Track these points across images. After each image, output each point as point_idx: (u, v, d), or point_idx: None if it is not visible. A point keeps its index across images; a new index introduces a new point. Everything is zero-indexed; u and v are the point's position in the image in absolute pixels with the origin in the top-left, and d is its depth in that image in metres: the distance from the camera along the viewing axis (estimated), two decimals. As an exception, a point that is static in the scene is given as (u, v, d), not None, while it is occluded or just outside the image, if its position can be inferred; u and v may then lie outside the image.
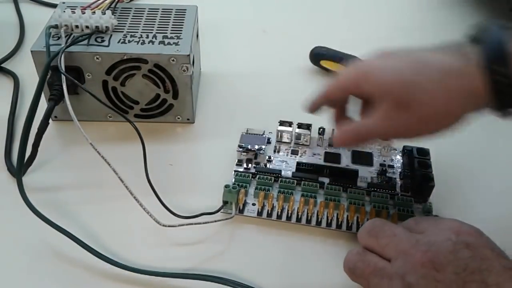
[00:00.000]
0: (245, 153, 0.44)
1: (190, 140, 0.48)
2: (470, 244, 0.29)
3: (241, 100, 0.53)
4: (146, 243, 0.38)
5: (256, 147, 0.44)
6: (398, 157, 0.45)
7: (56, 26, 0.46)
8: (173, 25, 0.48)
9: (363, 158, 0.44)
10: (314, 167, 0.43)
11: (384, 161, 0.44)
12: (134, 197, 0.37)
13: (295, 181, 0.41)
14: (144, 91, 0.47)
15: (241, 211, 0.40)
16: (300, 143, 0.45)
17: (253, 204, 0.40)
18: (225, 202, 0.39)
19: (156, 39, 0.46)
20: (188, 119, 0.49)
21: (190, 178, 0.44)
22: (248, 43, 0.63)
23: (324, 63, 0.57)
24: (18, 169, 0.41)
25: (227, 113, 0.51)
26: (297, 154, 0.45)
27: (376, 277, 0.30)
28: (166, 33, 0.47)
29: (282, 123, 0.46)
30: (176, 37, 0.46)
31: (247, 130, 0.46)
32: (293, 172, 0.42)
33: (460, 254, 0.28)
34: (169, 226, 0.37)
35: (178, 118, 0.49)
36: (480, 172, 0.45)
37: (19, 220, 0.39)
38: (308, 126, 0.45)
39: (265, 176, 0.42)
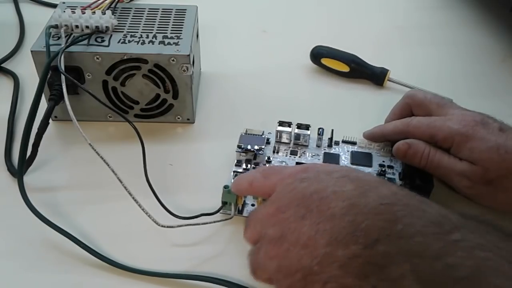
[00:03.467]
0: (244, 154, 0.44)
1: (190, 140, 0.48)
2: (304, 178, 0.30)
3: (241, 100, 0.53)
4: (145, 243, 0.38)
5: (256, 147, 0.44)
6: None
7: (56, 26, 0.46)
8: (173, 25, 0.48)
9: (363, 159, 0.44)
10: None
11: (384, 161, 0.44)
12: (133, 198, 0.37)
13: None
14: (144, 91, 0.47)
15: (240, 212, 0.40)
16: (300, 144, 0.45)
17: (252, 205, 0.40)
18: (224, 203, 0.39)
19: (156, 39, 0.46)
20: (188, 119, 0.49)
21: (190, 178, 0.44)
22: (248, 43, 0.63)
23: (325, 61, 0.57)
24: (19, 169, 0.41)
25: (227, 113, 0.51)
26: (296, 155, 0.45)
27: (252, 256, 0.31)
28: (166, 33, 0.47)
29: (281, 123, 0.46)
30: (176, 37, 0.46)
31: (246, 131, 0.46)
32: None
33: (296, 189, 0.30)
34: (168, 226, 0.37)
35: (178, 118, 0.49)
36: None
37: (19, 220, 0.39)
38: (307, 127, 0.45)
39: None
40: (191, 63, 0.45)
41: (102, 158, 0.38)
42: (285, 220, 0.29)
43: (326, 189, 0.28)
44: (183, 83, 0.46)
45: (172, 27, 0.48)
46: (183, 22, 0.49)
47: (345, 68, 0.56)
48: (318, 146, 0.46)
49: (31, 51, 0.44)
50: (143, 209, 0.37)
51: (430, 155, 0.40)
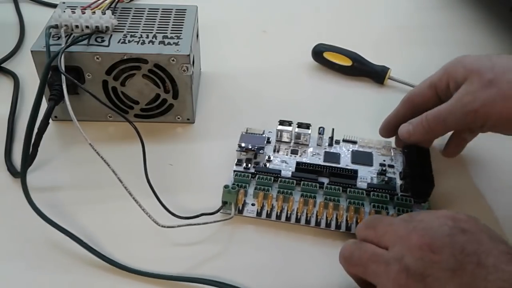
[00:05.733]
0: (244, 153, 0.44)
1: (190, 140, 0.48)
2: (466, 230, 0.29)
3: (242, 100, 0.53)
4: (145, 243, 0.38)
5: (256, 147, 0.44)
6: (398, 156, 0.45)
7: (56, 26, 0.46)
8: (173, 25, 0.48)
9: (363, 158, 0.44)
10: (314, 167, 0.43)
11: (384, 160, 0.44)
12: (133, 198, 0.37)
13: (295, 181, 0.41)
14: (144, 91, 0.47)
15: (240, 212, 0.40)
16: (300, 143, 0.45)
17: (253, 205, 0.40)
18: (224, 203, 0.39)
19: (156, 39, 0.46)
20: (188, 119, 0.49)
21: (190, 178, 0.44)
22: (248, 43, 0.63)
23: (327, 54, 0.57)
24: (22, 170, 0.40)
25: (227, 113, 0.51)
26: (297, 154, 0.45)
27: (373, 263, 0.30)
28: (166, 33, 0.47)
29: (281, 122, 0.46)
30: (176, 37, 0.46)
31: (246, 130, 0.46)
32: (292, 172, 0.42)
33: (456, 237, 0.29)
34: (168, 227, 0.37)
35: (178, 118, 0.49)
36: (480, 173, 0.45)
37: (19, 220, 0.39)
38: (307, 126, 0.45)
39: (265, 176, 0.41)
40: (191, 63, 0.45)
41: (102, 158, 0.38)
42: (433, 264, 0.28)
43: (488, 258, 0.27)
44: (183, 83, 0.46)
45: (172, 27, 0.48)
46: (183, 22, 0.49)
47: (347, 62, 0.56)
48: (319, 145, 0.46)
49: (31, 51, 0.44)
50: (143, 209, 0.37)
51: (428, 115, 0.40)
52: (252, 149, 0.43)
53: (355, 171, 0.42)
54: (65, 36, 0.45)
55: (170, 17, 0.50)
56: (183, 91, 0.47)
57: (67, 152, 0.46)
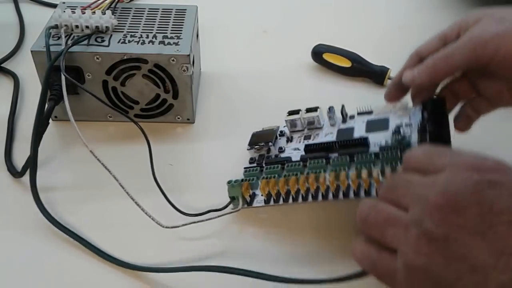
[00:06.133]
0: (256, 150, 0.43)
1: (190, 140, 0.48)
2: (495, 182, 0.24)
3: (241, 100, 0.53)
4: (150, 242, 0.38)
5: (267, 141, 0.42)
6: (418, 112, 0.39)
7: (56, 26, 0.46)
8: (173, 25, 0.48)
9: (378, 125, 0.40)
10: (323, 145, 0.39)
11: (401, 122, 0.40)
12: (136, 203, 0.37)
13: (301, 163, 0.39)
14: (144, 91, 0.47)
15: (249, 204, 0.39)
16: (313, 127, 0.43)
17: (262, 195, 0.39)
18: (232, 198, 0.39)
19: (156, 39, 0.46)
20: (188, 119, 0.49)
21: (189, 178, 0.44)
22: (248, 43, 0.63)
23: (327, 56, 0.57)
24: (32, 172, 0.41)
25: (227, 113, 0.51)
26: (310, 139, 0.42)
27: (390, 226, 0.27)
28: (166, 33, 0.47)
29: (291, 113, 0.44)
30: (176, 37, 0.46)
31: (262, 129, 0.45)
32: (301, 156, 0.40)
33: (483, 193, 0.24)
34: (172, 227, 0.37)
35: (178, 118, 0.49)
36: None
37: (19, 221, 0.39)
38: (316, 108, 0.43)
39: (273, 166, 0.40)
40: (191, 63, 0.45)
41: (103, 164, 0.38)
42: (457, 227, 0.24)
43: None
44: (183, 83, 0.46)
45: (172, 27, 0.48)
46: (183, 22, 0.49)
47: (347, 63, 0.56)
48: (332, 125, 0.43)
49: (31, 51, 0.44)
50: (146, 213, 0.37)
51: (434, 55, 0.37)
52: (263, 144, 0.42)
53: (365, 138, 0.38)
54: (65, 36, 0.45)
55: (170, 17, 0.50)
56: (183, 91, 0.47)
57: (67, 152, 0.46)
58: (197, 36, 0.52)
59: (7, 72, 0.56)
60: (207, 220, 0.38)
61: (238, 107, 0.52)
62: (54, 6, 0.63)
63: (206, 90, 0.54)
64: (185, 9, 0.51)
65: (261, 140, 0.43)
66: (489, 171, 0.25)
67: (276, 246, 0.38)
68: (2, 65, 0.56)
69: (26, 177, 0.42)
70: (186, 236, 0.38)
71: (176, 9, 0.51)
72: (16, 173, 0.43)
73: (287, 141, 0.43)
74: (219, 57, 0.59)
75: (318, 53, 0.58)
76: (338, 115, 0.44)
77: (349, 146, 0.39)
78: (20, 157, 0.44)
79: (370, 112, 0.43)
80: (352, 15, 0.70)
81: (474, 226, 0.24)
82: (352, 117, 0.43)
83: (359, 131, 0.41)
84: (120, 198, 0.38)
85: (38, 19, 0.52)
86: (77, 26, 0.46)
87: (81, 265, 0.36)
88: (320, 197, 0.36)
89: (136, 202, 0.37)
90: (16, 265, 0.36)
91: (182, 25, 0.48)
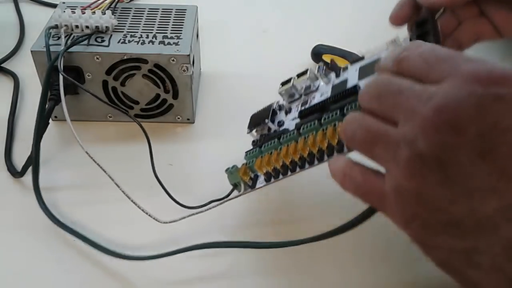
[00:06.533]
0: (255, 131, 0.40)
1: (190, 140, 0.48)
2: (502, 96, 0.21)
3: (242, 100, 0.53)
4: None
5: (263, 119, 0.39)
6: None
7: (56, 26, 0.46)
8: (173, 25, 0.48)
9: (370, 68, 0.36)
10: (317, 106, 0.36)
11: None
12: (132, 201, 0.37)
13: (296, 131, 0.35)
14: (144, 91, 0.47)
15: (252, 186, 0.37)
16: (309, 92, 0.40)
17: (262, 175, 0.37)
18: (234, 185, 0.38)
19: (156, 39, 0.46)
20: (188, 119, 0.49)
21: (189, 178, 0.44)
22: (248, 43, 0.63)
23: (326, 57, 0.57)
24: (34, 174, 0.41)
25: (227, 113, 0.51)
26: (307, 104, 0.38)
27: (378, 145, 0.24)
28: (166, 33, 0.47)
29: (283, 83, 0.41)
30: (176, 37, 0.46)
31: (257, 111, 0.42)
32: (296, 123, 0.37)
33: (487, 109, 0.21)
34: (170, 222, 0.37)
35: (178, 118, 0.49)
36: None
37: (19, 221, 0.39)
38: (306, 71, 0.40)
39: (270, 142, 0.37)
40: (191, 63, 0.45)
41: (97, 163, 0.38)
42: (454, 148, 0.21)
43: None
44: (183, 83, 0.46)
45: (172, 27, 0.48)
46: (183, 22, 0.49)
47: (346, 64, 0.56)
48: (327, 83, 0.39)
49: (31, 51, 0.44)
50: (142, 210, 0.37)
51: None
52: (261, 123, 0.40)
53: (354, 86, 0.34)
54: (65, 36, 0.45)
55: (170, 17, 0.50)
56: (183, 91, 0.47)
57: (67, 152, 0.46)
58: (197, 36, 0.52)
59: (7, 72, 0.56)
60: (208, 210, 0.37)
61: (238, 107, 0.52)
62: (54, 6, 0.63)
63: (206, 90, 0.54)
64: (185, 9, 0.51)
65: (259, 119, 0.40)
66: (496, 83, 0.21)
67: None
68: (2, 65, 0.56)
69: (26, 177, 0.42)
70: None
71: (176, 9, 0.51)
72: (16, 173, 0.43)
73: (286, 114, 0.40)
74: (219, 57, 0.59)
75: (318, 54, 0.58)
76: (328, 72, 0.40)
77: (341, 99, 0.35)
78: (20, 157, 0.44)
79: (362, 58, 0.39)
80: (352, 16, 0.70)
81: (474, 148, 0.20)
82: (345, 68, 0.40)
83: (352, 81, 0.37)
84: (120, 197, 0.38)
85: (38, 19, 0.52)
86: (77, 26, 0.46)
87: (81, 265, 0.36)
88: (315, 161, 0.33)
89: (131, 199, 0.37)
90: (16, 265, 0.36)
91: (182, 25, 0.49)
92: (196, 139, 0.48)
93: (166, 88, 0.46)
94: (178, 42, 0.46)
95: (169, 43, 0.45)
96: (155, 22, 0.49)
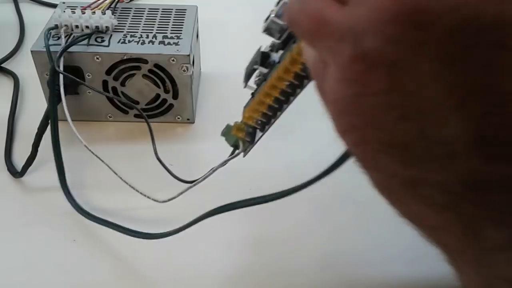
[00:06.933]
0: (254, 82, 0.36)
1: (190, 140, 0.48)
2: None
3: (242, 100, 0.53)
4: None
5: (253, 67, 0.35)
6: None
7: (56, 26, 0.46)
8: (173, 25, 0.48)
9: None
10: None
11: None
12: (130, 185, 0.37)
13: (276, 64, 0.32)
14: (144, 91, 0.47)
15: (252, 142, 0.36)
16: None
17: (254, 126, 0.35)
18: (234, 146, 0.37)
19: (156, 39, 0.46)
20: (188, 119, 0.49)
21: (189, 178, 0.44)
22: (248, 43, 0.63)
23: None
24: (61, 175, 0.41)
25: (227, 113, 0.51)
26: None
27: (318, 33, 0.18)
28: (166, 33, 0.47)
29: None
30: (176, 37, 0.46)
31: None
32: (281, 54, 0.32)
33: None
34: (168, 200, 0.37)
35: (178, 118, 0.49)
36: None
37: (20, 220, 0.39)
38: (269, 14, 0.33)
39: (260, 85, 0.34)
40: (191, 63, 0.45)
41: (97, 156, 0.38)
42: (412, 46, 0.15)
43: None
44: (183, 83, 0.46)
45: (172, 27, 0.48)
46: (183, 22, 0.49)
47: None
48: None
49: (31, 51, 0.44)
50: (141, 193, 0.37)
51: None
52: (252, 72, 0.36)
53: None
54: (65, 37, 0.45)
55: (170, 17, 0.50)
56: (183, 91, 0.47)
57: (67, 152, 0.46)
58: (197, 36, 0.52)
59: (7, 72, 0.56)
60: (209, 175, 0.37)
61: (238, 107, 0.52)
62: (54, 6, 0.63)
63: (206, 90, 0.54)
64: (185, 9, 0.51)
65: (251, 69, 0.36)
66: None
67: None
68: (2, 65, 0.56)
69: (26, 177, 0.42)
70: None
71: (176, 9, 0.51)
72: (16, 173, 0.43)
73: (277, 51, 0.34)
74: (219, 57, 0.59)
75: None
76: None
77: None
78: (20, 157, 0.44)
79: None
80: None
81: (440, 50, 0.15)
82: None
83: None
84: (121, 197, 0.38)
85: (38, 19, 0.52)
86: (77, 26, 0.46)
87: (81, 264, 0.36)
88: (297, 90, 0.30)
89: (128, 184, 0.37)
90: (17, 265, 0.36)
91: (182, 25, 0.49)
92: (196, 139, 0.48)
93: (166, 88, 0.47)
94: (178, 42, 0.46)
95: (169, 43, 0.45)
96: (155, 22, 0.49)
